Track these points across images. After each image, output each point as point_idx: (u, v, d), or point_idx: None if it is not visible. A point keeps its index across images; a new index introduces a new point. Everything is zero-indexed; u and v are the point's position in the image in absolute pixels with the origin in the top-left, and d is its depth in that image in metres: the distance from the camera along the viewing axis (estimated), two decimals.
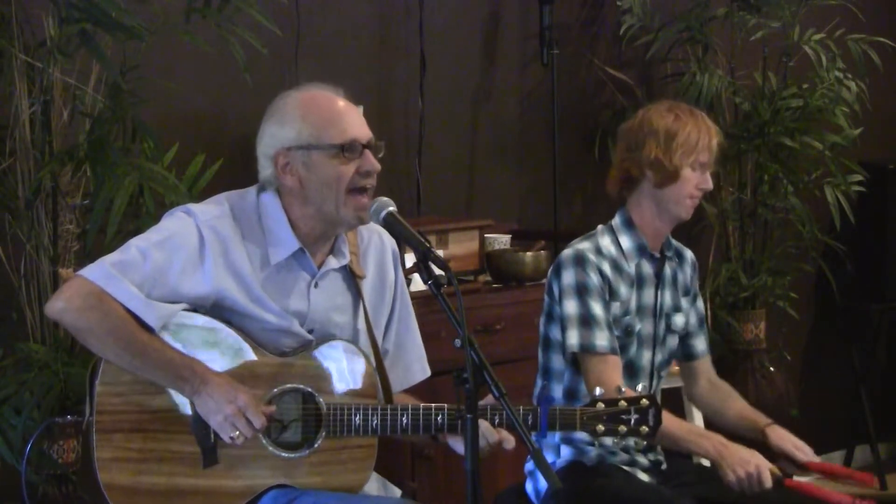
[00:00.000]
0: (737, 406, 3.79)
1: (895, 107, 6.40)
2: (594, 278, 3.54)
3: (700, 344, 3.78)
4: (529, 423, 3.07)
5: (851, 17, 5.63)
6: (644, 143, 3.56)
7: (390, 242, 3.27)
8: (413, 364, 3.34)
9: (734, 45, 5.52)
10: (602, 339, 3.51)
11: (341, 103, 3.12)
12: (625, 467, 3.64)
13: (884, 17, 6.18)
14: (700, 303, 3.80)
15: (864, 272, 6.11)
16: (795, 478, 3.64)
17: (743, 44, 5.51)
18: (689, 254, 3.78)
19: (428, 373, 3.36)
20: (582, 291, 3.53)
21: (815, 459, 3.63)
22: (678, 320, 3.71)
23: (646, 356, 3.66)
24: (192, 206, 3.12)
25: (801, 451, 3.61)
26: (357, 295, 3.20)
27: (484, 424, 3.04)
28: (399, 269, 3.31)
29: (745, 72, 5.57)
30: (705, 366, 3.82)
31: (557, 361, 3.62)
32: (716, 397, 3.80)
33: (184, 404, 3.03)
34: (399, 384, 3.31)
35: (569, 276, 3.55)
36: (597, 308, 3.53)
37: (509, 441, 3.07)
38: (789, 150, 5.50)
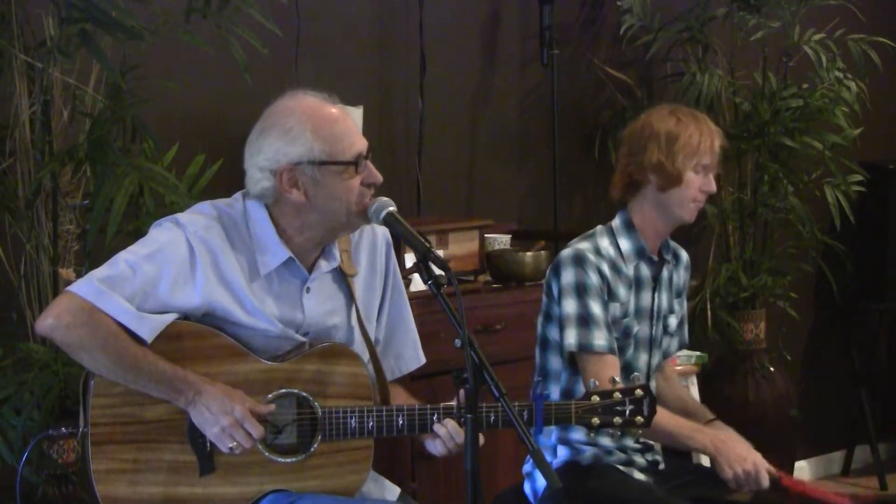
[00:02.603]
0: (680, 394, 3.79)
1: (895, 107, 6.40)
2: (593, 278, 3.54)
3: (673, 343, 3.78)
4: (525, 418, 3.07)
5: (851, 17, 5.63)
6: (646, 147, 3.56)
7: (382, 232, 3.26)
8: (405, 351, 3.32)
9: (734, 45, 5.52)
10: (600, 338, 3.51)
11: (341, 114, 3.10)
12: (621, 467, 3.64)
13: (884, 17, 6.18)
14: (685, 301, 3.79)
15: (864, 272, 6.12)
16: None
17: (743, 44, 5.51)
18: (684, 254, 3.78)
19: (422, 360, 3.34)
20: (581, 291, 3.54)
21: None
22: (672, 322, 3.73)
23: (642, 358, 3.66)
24: (181, 217, 3.10)
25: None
26: (349, 294, 3.19)
27: (452, 424, 3.05)
28: (392, 257, 3.29)
29: (745, 72, 5.57)
30: (668, 364, 3.84)
31: (555, 362, 3.62)
32: (661, 384, 3.79)
33: (177, 413, 3.02)
34: (390, 373, 3.29)
35: (568, 276, 3.55)
36: (595, 308, 3.53)
37: (449, 440, 3.07)
38: (789, 150, 5.50)
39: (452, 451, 3.07)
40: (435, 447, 3.09)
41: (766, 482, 3.46)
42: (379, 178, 3.09)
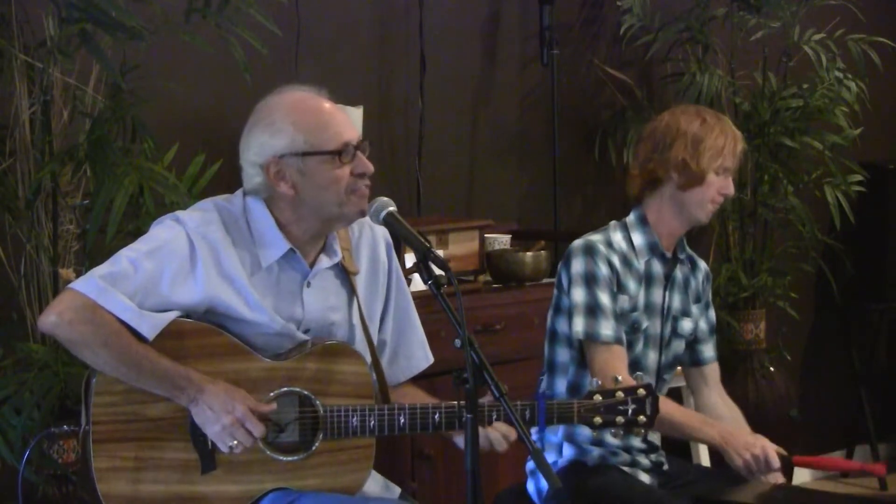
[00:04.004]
0: (740, 421, 3.77)
1: (895, 107, 6.40)
2: (603, 269, 3.55)
3: (708, 350, 3.78)
4: (527, 417, 3.07)
5: (851, 17, 5.63)
6: (672, 145, 3.58)
7: (382, 232, 3.26)
8: (415, 352, 3.33)
9: (734, 45, 5.52)
10: (607, 328, 3.52)
11: (328, 105, 3.11)
12: (626, 468, 3.64)
13: (884, 17, 6.18)
14: (712, 313, 3.79)
15: (864, 272, 6.12)
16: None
17: (743, 44, 5.51)
18: (703, 264, 3.79)
19: (431, 359, 3.35)
20: (590, 281, 3.55)
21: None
22: (685, 325, 3.71)
23: (651, 356, 3.65)
24: (181, 214, 3.11)
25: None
26: (351, 291, 3.19)
27: (495, 435, 3.06)
28: (393, 257, 3.29)
29: (745, 72, 5.57)
30: (713, 373, 3.80)
31: (563, 355, 3.63)
32: (719, 405, 3.78)
33: (179, 411, 3.02)
34: (403, 374, 3.31)
35: (578, 265, 3.57)
36: (604, 298, 3.54)
37: (500, 443, 3.07)
38: (789, 150, 5.50)
39: (497, 449, 3.07)
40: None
41: (776, 463, 3.46)
42: (369, 167, 3.09)
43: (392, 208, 3.04)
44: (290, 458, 3.05)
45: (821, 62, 5.46)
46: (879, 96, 5.87)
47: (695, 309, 3.74)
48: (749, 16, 5.45)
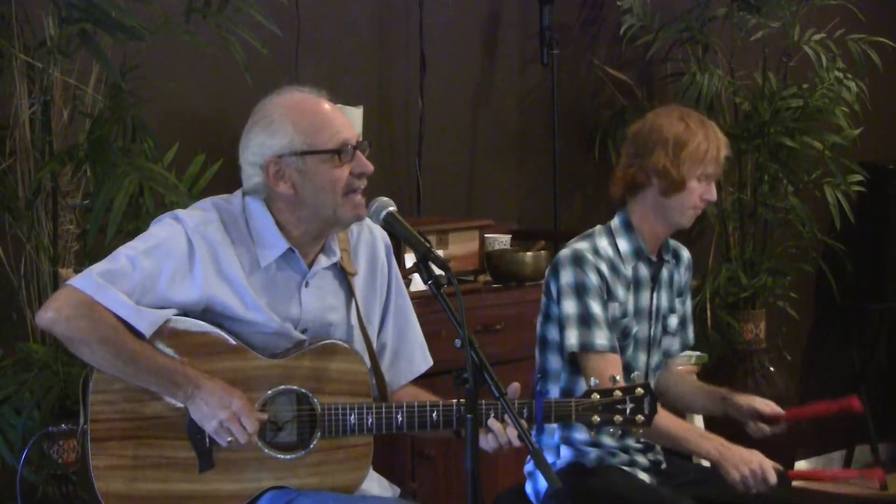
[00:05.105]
0: (690, 381, 3.80)
1: (895, 107, 6.40)
2: (593, 278, 3.54)
3: (674, 343, 3.77)
4: (524, 415, 3.07)
5: (851, 17, 5.63)
6: (653, 150, 3.55)
7: (381, 234, 3.27)
8: (416, 354, 3.33)
9: (734, 45, 5.52)
10: (601, 337, 3.52)
11: (327, 106, 3.12)
12: (625, 468, 3.64)
13: (884, 17, 6.19)
14: (688, 302, 3.78)
15: (864, 272, 6.12)
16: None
17: (743, 44, 5.51)
18: (685, 253, 3.78)
19: (430, 361, 3.35)
20: (580, 291, 3.53)
21: (780, 412, 3.63)
22: (672, 321, 3.72)
23: (641, 358, 3.66)
24: (180, 213, 3.11)
25: (768, 406, 3.63)
26: (349, 292, 3.19)
27: (497, 426, 3.05)
28: (392, 259, 3.30)
29: (745, 72, 5.57)
30: (672, 364, 3.83)
31: (554, 362, 3.63)
32: (668, 379, 3.79)
33: (177, 410, 3.02)
34: (404, 376, 3.31)
35: (567, 276, 3.55)
36: (595, 307, 3.53)
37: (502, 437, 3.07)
38: (789, 150, 5.50)
39: (504, 447, 3.06)
40: (487, 442, 3.06)
41: (773, 479, 3.46)
42: (369, 166, 3.09)
43: (392, 208, 3.05)
44: (287, 457, 3.06)
45: (821, 62, 5.47)
46: (879, 96, 5.87)
47: (678, 303, 3.74)
48: (749, 16, 5.45)
